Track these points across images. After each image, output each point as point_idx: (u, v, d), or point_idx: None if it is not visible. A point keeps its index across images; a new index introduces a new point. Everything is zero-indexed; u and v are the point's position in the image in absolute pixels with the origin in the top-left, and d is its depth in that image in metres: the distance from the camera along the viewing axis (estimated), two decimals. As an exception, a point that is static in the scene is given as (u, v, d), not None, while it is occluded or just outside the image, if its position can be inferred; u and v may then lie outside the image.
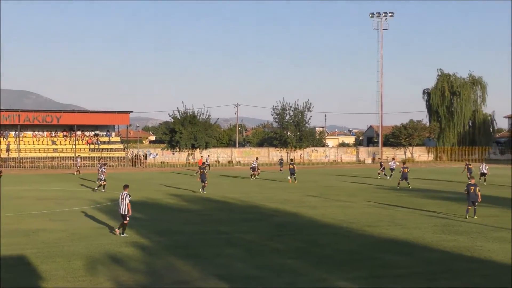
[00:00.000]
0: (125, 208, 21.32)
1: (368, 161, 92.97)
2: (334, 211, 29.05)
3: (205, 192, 37.90)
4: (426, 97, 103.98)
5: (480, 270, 16.12)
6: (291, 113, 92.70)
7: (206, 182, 38.53)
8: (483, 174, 48.98)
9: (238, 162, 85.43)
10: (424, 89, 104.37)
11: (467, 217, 26.23)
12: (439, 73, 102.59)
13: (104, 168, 40.25)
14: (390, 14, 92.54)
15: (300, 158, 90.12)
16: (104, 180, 39.60)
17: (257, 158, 57.50)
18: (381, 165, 56.41)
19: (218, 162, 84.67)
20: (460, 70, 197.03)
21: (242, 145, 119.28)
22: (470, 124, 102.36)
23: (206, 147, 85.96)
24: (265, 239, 20.83)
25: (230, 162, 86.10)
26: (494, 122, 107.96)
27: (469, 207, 26.46)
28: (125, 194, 21.65)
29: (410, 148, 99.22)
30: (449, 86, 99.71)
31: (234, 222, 25.27)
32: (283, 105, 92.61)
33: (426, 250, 18.85)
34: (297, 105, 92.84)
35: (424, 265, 16.66)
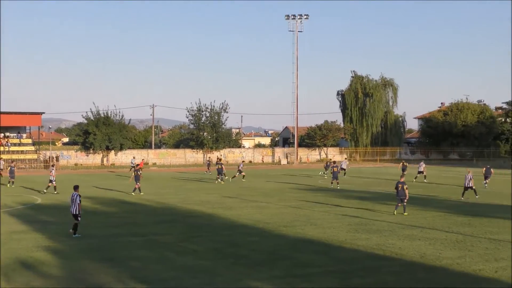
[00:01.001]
0: (76, 208, 21.55)
1: (284, 161, 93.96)
2: (250, 211, 29.21)
3: (142, 193, 38.06)
4: (340, 99, 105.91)
5: (391, 267, 16.55)
6: (207, 114, 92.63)
7: (139, 183, 38.63)
8: (420, 172, 51.89)
9: (154, 164, 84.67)
10: (338, 91, 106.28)
11: (395, 213, 27.52)
12: (353, 75, 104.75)
13: (53, 169, 40.08)
14: (305, 17, 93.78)
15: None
16: (54, 181, 39.32)
17: (243, 161, 59.82)
18: (326, 166, 57.47)
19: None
20: (373, 72, 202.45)
21: (158, 146, 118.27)
22: (382, 125, 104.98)
23: (121, 149, 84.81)
24: (181, 241, 20.74)
25: (146, 163, 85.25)
26: (405, 123, 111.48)
27: (399, 204, 27.88)
28: (76, 195, 21.76)
29: (325, 148, 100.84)
30: (362, 88, 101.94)
31: (150, 224, 25.02)
32: (199, 106, 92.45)
33: (340, 249, 19.20)
34: (214, 106, 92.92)
35: (338, 263, 16.96)
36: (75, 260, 17.44)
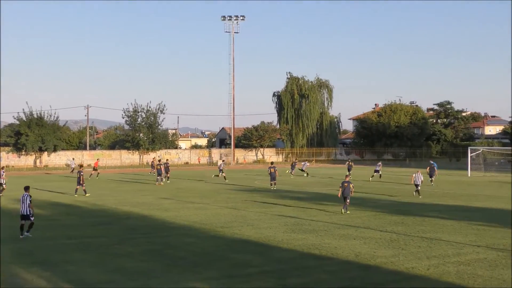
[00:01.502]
0: (27, 209, 21.33)
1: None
2: (187, 213, 29.10)
3: (76, 195, 37.88)
4: (276, 100, 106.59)
5: (327, 266, 16.74)
6: (144, 115, 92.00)
7: (84, 185, 38.65)
8: (376, 171, 54.53)
9: (89, 165, 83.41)
10: (275, 92, 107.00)
11: (342, 212, 28.31)
12: (288, 76, 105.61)
13: (3, 172, 39.93)
14: (241, 18, 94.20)
15: (154, 160, 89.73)
16: (5, 184, 39.31)
17: (223, 160, 64.02)
18: (292, 166, 61.00)
19: (67, 165, 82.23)
20: (309, 73, 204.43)
21: (93, 147, 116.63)
22: (318, 126, 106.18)
23: (54, 150, 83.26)
24: (117, 243, 20.49)
25: (81, 165, 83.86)
26: (340, 124, 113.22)
27: (346, 203, 28.60)
28: (26, 195, 21.57)
29: (262, 149, 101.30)
30: (298, 89, 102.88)
31: (85, 227, 24.64)
32: (135, 107, 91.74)
33: (277, 249, 19.31)
34: (150, 107, 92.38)
35: (275, 263, 17.05)
36: (6, 264, 16.98)
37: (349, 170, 55.06)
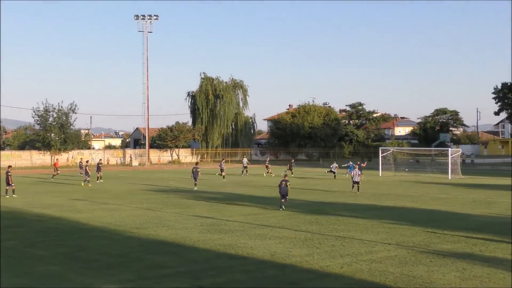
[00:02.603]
0: None
1: (135, 163, 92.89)
2: (100, 214, 28.60)
3: (15, 196, 37.14)
4: (191, 100, 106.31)
5: (243, 266, 16.79)
6: (55, 115, 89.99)
7: (12, 185, 37.75)
8: (333, 172, 57.06)
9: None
10: (189, 92, 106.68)
11: (279, 209, 29.67)
12: (203, 77, 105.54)
13: None
14: (154, 17, 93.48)
15: (67, 161, 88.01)
16: None
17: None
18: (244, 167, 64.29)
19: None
20: (223, 74, 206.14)
21: (1, 148, 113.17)
22: (233, 126, 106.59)
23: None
24: (27, 246, 19.89)
25: (10, 165, 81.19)
26: (255, 124, 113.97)
27: (282, 200, 30.02)
28: None
29: (177, 150, 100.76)
30: (212, 89, 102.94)
31: (-7, 230, 23.82)
32: (46, 106, 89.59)
33: (193, 249, 19.22)
34: (61, 106, 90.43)
35: (190, 264, 16.96)
36: None
37: (285, 170, 56.98)
